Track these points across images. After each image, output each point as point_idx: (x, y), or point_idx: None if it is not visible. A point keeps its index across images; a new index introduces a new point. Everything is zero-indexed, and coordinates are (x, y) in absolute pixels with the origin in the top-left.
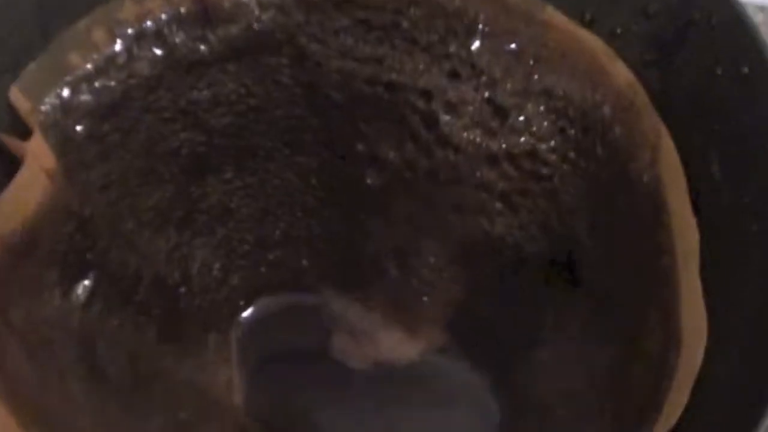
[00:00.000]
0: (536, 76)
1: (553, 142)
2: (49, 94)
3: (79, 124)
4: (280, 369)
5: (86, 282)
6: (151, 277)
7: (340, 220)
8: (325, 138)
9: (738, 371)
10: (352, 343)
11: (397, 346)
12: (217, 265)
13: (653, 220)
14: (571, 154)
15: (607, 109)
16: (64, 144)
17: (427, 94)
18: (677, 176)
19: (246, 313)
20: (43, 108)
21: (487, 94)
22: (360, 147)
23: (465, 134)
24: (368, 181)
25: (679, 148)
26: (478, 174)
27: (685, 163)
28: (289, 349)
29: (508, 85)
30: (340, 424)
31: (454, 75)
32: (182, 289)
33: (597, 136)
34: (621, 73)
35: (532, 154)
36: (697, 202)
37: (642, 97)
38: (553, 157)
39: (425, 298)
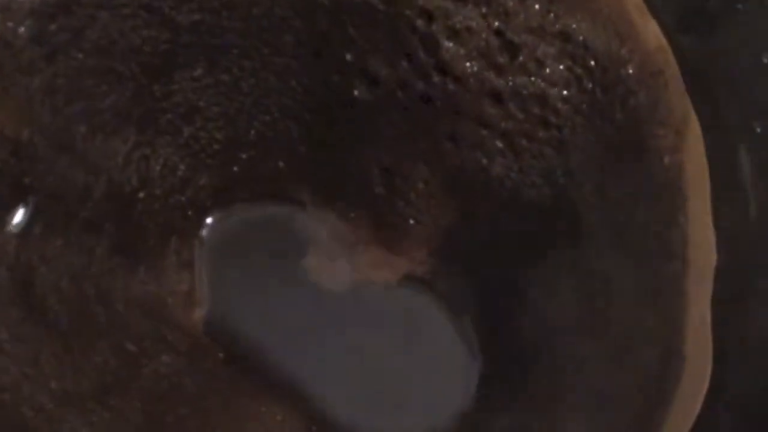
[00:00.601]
0: (554, 15)
1: (566, 92)
2: None
3: (22, 25)
4: (247, 281)
5: (24, 207)
6: (104, 187)
7: (322, 127)
8: (308, 41)
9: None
10: (328, 257)
11: (377, 266)
12: (182, 166)
13: (668, 214)
14: (586, 109)
15: (631, 70)
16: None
17: (428, 15)
18: (701, 176)
19: (213, 217)
20: None
21: (496, 25)
22: (349, 57)
23: (468, 65)
24: (356, 92)
25: (705, 139)
26: (479, 109)
27: (709, 159)
28: (258, 258)
29: (521, 19)
30: (304, 346)
31: None
32: (141, 194)
33: (617, 97)
34: (652, 34)
35: (542, 99)
36: (718, 214)
37: (672, 70)
38: (565, 107)
39: (411, 221)
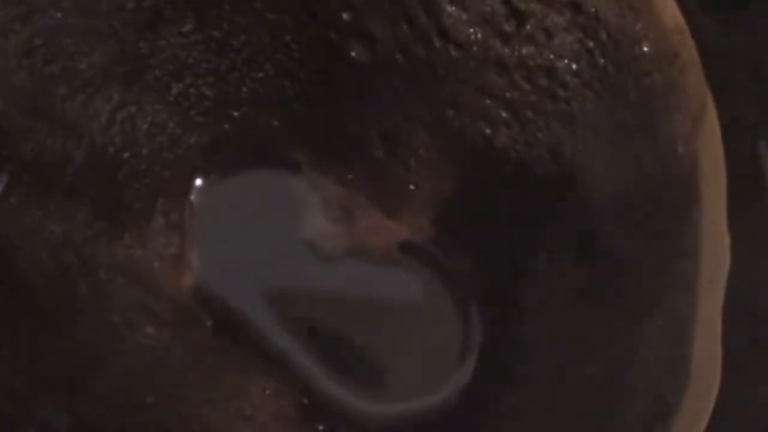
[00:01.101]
0: None
1: (576, 65)
2: None
3: None
4: (240, 245)
5: None
6: (85, 151)
7: (318, 86)
8: None
9: None
10: (324, 222)
11: (375, 232)
12: (171, 124)
13: (681, 209)
14: (596, 84)
15: (646, 48)
16: None
17: None
18: (717, 170)
19: (204, 178)
20: None
21: None
22: (345, 16)
23: (471, 31)
24: (353, 53)
25: (723, 131)
26: (482, 77)
27: (727, 154)
28: (251, 222)
29: None
30: (297, 315)
31: None
32: (126, 155)
33: (630, 75)
34: (670, 10)
35: (550, 70)
36: (735, 214)
37: (690, 53)
38: (574, 81)
39: (411, 187)
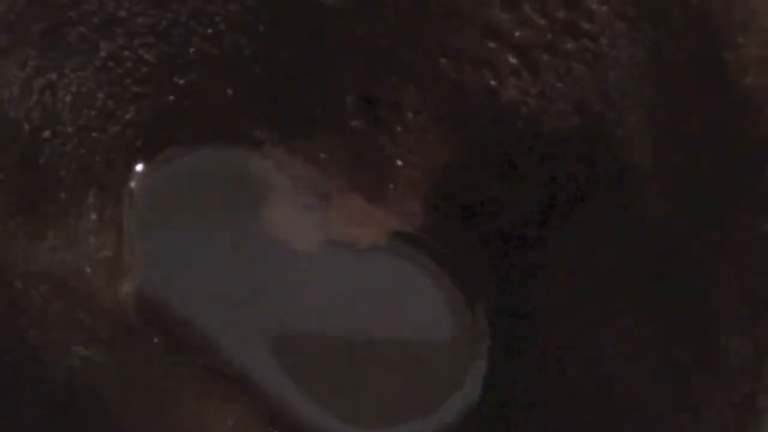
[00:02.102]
0: None
1: None
2: None
3: None
4: (191, 243)
5: None
6: None
7: (280, 42)
8: None
9: None
10: (293, 211)
11: (356, 221)
12: (101, 95)
13: (754, 157)
14: (631, 12)
15: None
16: None
17: None
18: None
19: (145, 162)
20: None
21: None
22: None
23: None
24: None
25: None
26: (484, 13)
27: None
28: (204, 214)
29: None
30: (263, 326)
31: None
32: (46, 134)
33: None
34: None
35: None
36: None
37: None
38: (602, 9)
39: (399, 162)
